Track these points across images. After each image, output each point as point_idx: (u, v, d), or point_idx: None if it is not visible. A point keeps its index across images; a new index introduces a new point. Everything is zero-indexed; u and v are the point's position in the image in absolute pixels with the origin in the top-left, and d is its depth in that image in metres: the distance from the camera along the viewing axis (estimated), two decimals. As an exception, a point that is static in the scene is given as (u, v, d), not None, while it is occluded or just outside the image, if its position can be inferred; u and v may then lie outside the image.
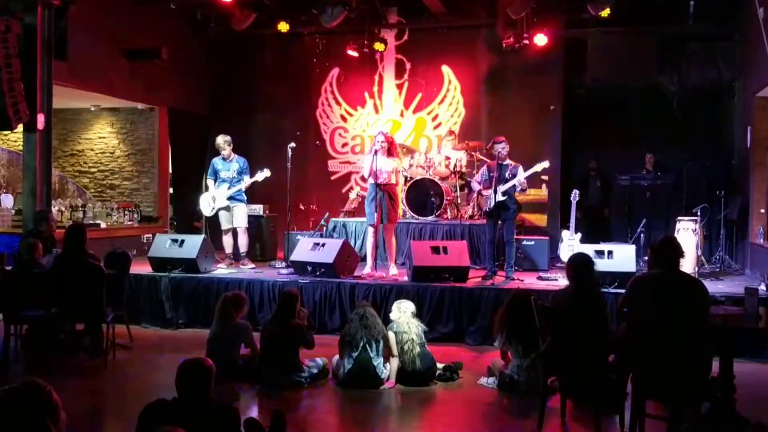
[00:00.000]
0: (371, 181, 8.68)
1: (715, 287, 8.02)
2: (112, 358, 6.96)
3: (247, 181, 9.44)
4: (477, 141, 11.23)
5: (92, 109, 12.72)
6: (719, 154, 11.71)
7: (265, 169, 9.47)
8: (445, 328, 7.87)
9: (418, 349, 6.24)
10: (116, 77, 10.95)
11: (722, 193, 10.24)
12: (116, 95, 11.29)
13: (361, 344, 6.12)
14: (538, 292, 7.13)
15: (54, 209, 10.00)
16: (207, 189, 9.77)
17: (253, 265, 9.63)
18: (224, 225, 9.59)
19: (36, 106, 8.79)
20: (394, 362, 6.25)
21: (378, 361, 6.14)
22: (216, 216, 9.65)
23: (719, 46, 11.37)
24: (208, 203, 9.53)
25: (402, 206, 9.96)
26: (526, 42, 10.99)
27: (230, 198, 9.43)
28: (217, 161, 9.54)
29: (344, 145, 13.07)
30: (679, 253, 4.70)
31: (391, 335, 6.28)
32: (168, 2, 11.08)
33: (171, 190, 13.01)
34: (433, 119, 12.63)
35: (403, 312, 6.45)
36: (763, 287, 7.58)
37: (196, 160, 12.88)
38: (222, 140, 9.44)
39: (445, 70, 12.53)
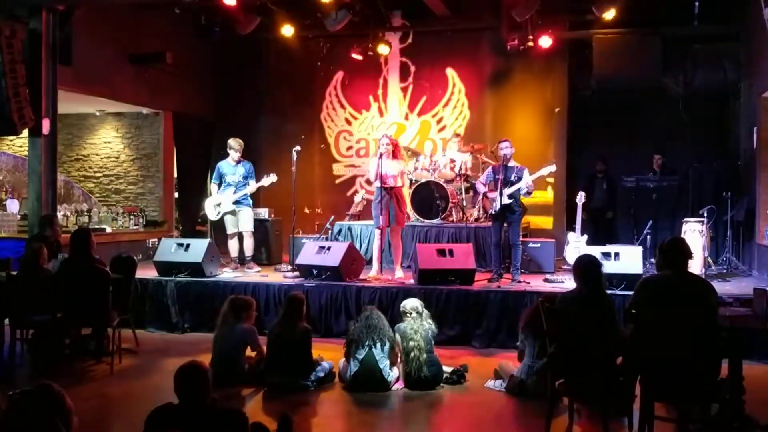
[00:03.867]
0: (377, 184, 8.67)
1: (722, 288, 7.98)
2: (118, 363, 6.96)
3: (254, 185, 9.44)
4: (482, 143, 11.21)
5: (97, 114, 12.73)
6: (725, 155, 11.67)
7: (272, 174, 9.47)
8: (451, 331, 7.84)
9: (425, 356, 6.18)
10: (121, 82, 10.96)
11: (728, 194, 10.20)
12: (121, 100, 11.30)
13: (367, 343, 6.10)
14: (545, 295, 7.10)
15: (59, 214, 10.00)
16: (211, 193, 9.76)
17: (259, 269, 9.62)
18: (230, 229, 9.58)
19: (41, 111, 8.79)
20: (402, 365, 6.24)
21: (384, 364, 6.11)
22: (221, 220, 9.64)
23: (724, 47, 11.34)
24: (213, 207, 9.53)
25: (409, 209, 9.94)
26: (531, 44, 10.97)
27: (236, 202, 9.42)
28: (222, 165, 9.53)
29: (349, 148, 13.07)
30: (687, 254, 4.68)
31: (398, 338, 6.26)
32: (172, 7, 11.09)
33: (176, 195, 13.02)
34: (438, 122, 12.62)
35: (408, 315, 6.40)
36: (771, 288, 7.54)
37: (201, 164, 12.90)
38: (236, 143, 9.44)
39: (450, 72, 12.52)
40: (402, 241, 9.23)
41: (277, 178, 9.53)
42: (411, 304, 6.48)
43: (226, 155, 9.56)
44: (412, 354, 6.17)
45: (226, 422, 3.29)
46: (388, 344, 6.16)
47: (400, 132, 12.56)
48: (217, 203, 9.49)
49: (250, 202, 9.62)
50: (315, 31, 12.10)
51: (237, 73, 13.07)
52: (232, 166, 9.46)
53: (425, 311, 6.49)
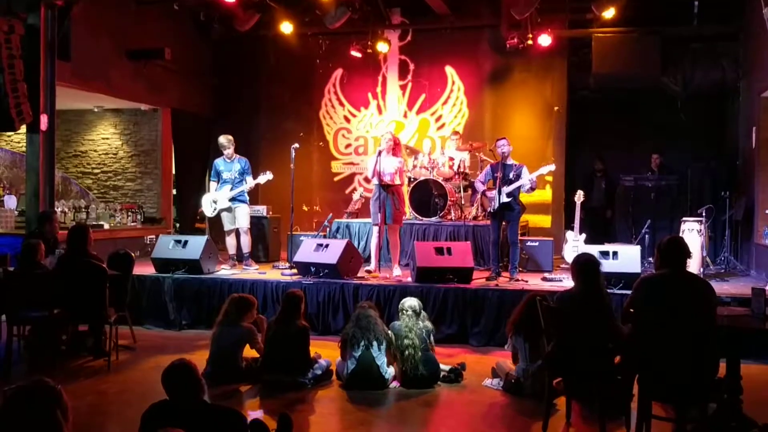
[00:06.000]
0: (375, 181, 8.67)
1: (720, 288, 7.98)
2: (115, 359, 6.94)
3: (250, 183, 9.44)
4: (481, 141, 11.20)
5: (95, 110, 12.72)
6: (724, 154, 11.69)
7: (268, 172, 9.47)
8: (449, 329, 7.84)
9: (420, 354, 6.17)
10: (119, 78, 10.94)
11: (727, 194, 10.21)
12: (119, 96, 11.29)
13: (362, 344, 6.09)
14: (543, 294, 7.10)
15: (57, 210, 9.99)
16: (209, 190, 9.75)
17: (257, 266, 9.62)
18: (227, 226, 9.58)
19: (39, 106, 8.79)
20: (398, 364, 6.23)
21: (381, 361, 6.10)
22: (218, 217, 9.63)
23: (723, 46, 11.35)
24: (209, 204, 9.53)
25: (407, 208, 9.93)
26: (530, 42, 10.99)
27: (232, 199, 9.42)
28: (218, 162, 9.54)
29: (348, 146, 13.06)
30: (686, 253, 4.67)
31: (392, 336, 6.25)
32: (171, 3, 11.07)
33: (174, 191, 13.01)
34: (437, 120, 12.62)
35: (404, 313, 6.39)
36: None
37: (199, 161, 12.88)
38: (225, 140, 9.44)
39: (449, 70, 12.51)
40: (400, 239, 9.23)
41: (274, 175, 9.53)
42: (409, 302, 6.47)
43: (222, 153, 9.57)
44: (407, 353, 6.16)
45: (225, 420, 3.28)
46: (384, 343, 6.15)
47: (398, 130, 12.55)
48: (213, 200, 9.49)
49: (247, 199, 9.62)
50: (314, 29, 12.11)
51: (236, 70, 13.06)
52: (227, 162, 9.47)
53: (423, 313, 6.48)
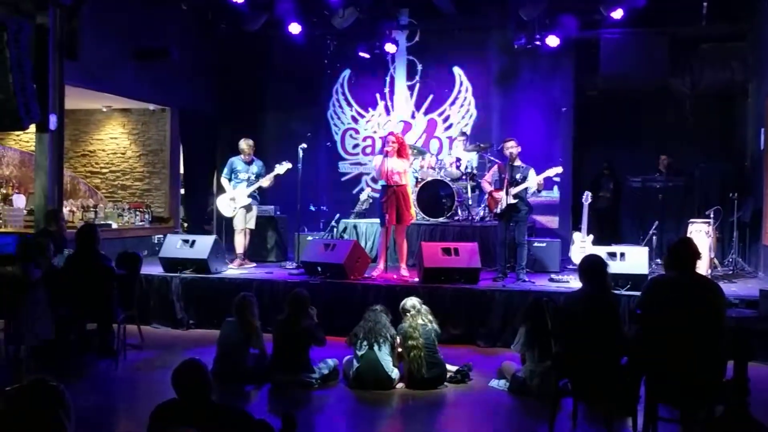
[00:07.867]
0: (383, 182, 8.67)
1: (728, 290, 7.91)
2: (123, 358, 6.97)
3: (269, 177, 9.44)
4: (488, 142, 11.19)
5: (104, 109, 12.74)
6: (732, 155, 11.63)
7: (285, 162, 9.46)
8: (455, 330, 7.83)
9: (425, 354, 6.15)
10: (127, 78, 10.95)
11: (735, 195, 10.15)
12: (127, 96, 11.30)
13: (364, 344, 6.11)
14: (550, 294, 7.10)
15: (66, 209, 10.02)
16: (223, 190, 9.74)
17: (254, 264, 9.69)
18: (239, 224, 9.58)
19: (48, 106, 8.81)
20: (405, 365, 6.23)
21: (386, 361, 6.11)
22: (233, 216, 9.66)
23: (732, 47, 11.30)
24: (228, 204, 9.53)
25: (413, 207, 9.92)
26: (538, 43, 10.96)
27: (250, 196, 9.47)
28: (236, 161, 9.56)
29: (355, 146, 13.06)
30: (695, 255, 4.66)
31: (398, 339, 6.25)
32: (179, 2, 11.09)
33: (182, 191, 13.04)
34: (444, 120, 12.61)
35: (407, 314, 6.38)
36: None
37: (207, 161, 12.90)
38: (246, 145, 9.51)
39: (457, 71, 12.50)
40: (406, 239, 9.22)
41: (281, 175, 9.53)
42: (410, 302, 6.48)
43: (237, 153, 9.60)
44: (413, 353, 6.16)
45: (231, 419, 3.29)
46: (388, 343, 6.15)
47: (406, 130, 12.55)
48: (231, 198, 9.49)
49: (258, 200, 9.69)
50: (322, 29, 12.09)
51: (243, 70, 13.06)
52: (245, 163, 9.51)
53: (424, 308, 6.46)
